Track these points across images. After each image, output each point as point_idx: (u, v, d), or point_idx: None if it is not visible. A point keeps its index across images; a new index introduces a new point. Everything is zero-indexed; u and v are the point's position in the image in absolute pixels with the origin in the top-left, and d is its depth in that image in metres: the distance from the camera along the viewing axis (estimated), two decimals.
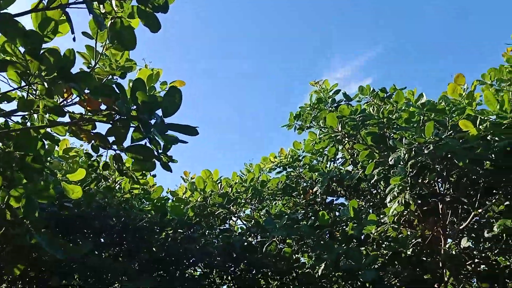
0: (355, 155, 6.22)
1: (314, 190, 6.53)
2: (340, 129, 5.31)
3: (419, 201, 5.32)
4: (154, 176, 6.41)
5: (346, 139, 5.55)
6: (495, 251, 5.21)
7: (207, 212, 6.44)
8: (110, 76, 3.13)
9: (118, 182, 5.54)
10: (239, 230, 7.51)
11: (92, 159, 4.47)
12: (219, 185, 6.37)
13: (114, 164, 3.00)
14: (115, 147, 2.89)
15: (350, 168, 6.86)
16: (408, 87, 6.03)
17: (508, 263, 5.49)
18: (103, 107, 2.78)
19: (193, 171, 7.64)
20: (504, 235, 4.70)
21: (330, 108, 6.17)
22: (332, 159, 6.82)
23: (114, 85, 2.78)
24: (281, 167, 7.17)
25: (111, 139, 2.85)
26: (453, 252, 5.15)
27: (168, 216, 6.06)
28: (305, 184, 7.58)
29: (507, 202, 4.65)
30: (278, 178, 7.06)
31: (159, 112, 2.79)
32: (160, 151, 2.98)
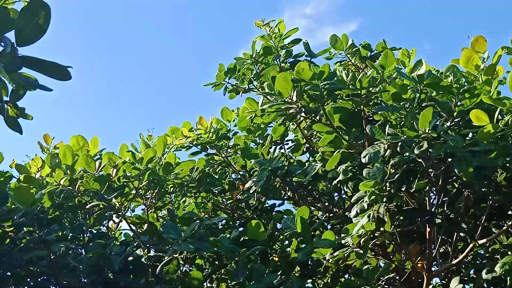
0: (314, 140, 6.41)
1: (247, 186, 6.69)
2: (294, 98, 5.43)
3: (399, 219, 5.64)
4: None
5: (303, 114, 5.70)
6: None
7: (74, 203, 6.40)
8: None
9: None
10: (123, 238, 7.54)
11: None
12: (97, 162, 6.33)
13: None
14: None
15: (304, 158, 7.09)
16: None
17: None
18: None
19: (62, 137, 7.54)
20: (508, 279, 5.12)
21: (282, 65, 6.28)
22: (279, 142, 7.01)
23: None
24: (199, 146, 7.28)
25: None
26: None
27: (10, 203, 5.95)
28: (234, 176, 7.73)
29: None
30: (193, 162, 7.17)
31: (11, 35, 2.76)
32: (5, 98, 2.96)
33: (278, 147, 7.26)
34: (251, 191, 6.75)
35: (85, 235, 6.80)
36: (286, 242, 6.09)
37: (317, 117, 5.72)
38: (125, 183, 6.62)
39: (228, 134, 7.26)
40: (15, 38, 2.74)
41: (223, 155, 7.38)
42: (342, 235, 5.42)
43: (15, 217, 6.03)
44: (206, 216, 7.75)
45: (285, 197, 7.35)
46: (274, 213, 7.42)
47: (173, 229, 5.66)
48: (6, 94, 2.98)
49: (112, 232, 7.51)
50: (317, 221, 6.99)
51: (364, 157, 4.84)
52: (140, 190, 6.67)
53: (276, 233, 6.21)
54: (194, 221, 5.88)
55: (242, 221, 7.55)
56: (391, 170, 4.92)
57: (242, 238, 5.92)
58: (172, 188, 7.36)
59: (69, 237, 6.67)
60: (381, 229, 5.34)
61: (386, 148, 4.84)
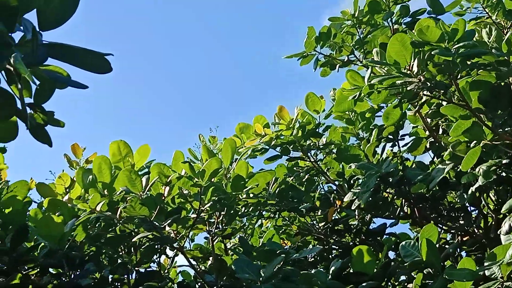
0: (441, 131, 6.37)
1: (347, 200, 6.66)
2: (415, 69, 5.38)
3: None
4: (3, 150, 6.35)
5: (427, 92, 5.62)
6: None
7: (114, 235, 6.45)
8: None
9: None
10: (180, 278, 7.63)
11: None
12: (144, 179, 6.33)
13: None
14: None
15: (426, 158, 6.97)
16: None
17: None
18: None
19: (96, 148, 7.60)
20: None
21: (395, 27, 6.13)
22: (391, 137, 6.89)
23: None
24: (278, 148, 7.27)
25: None
26: None
27: (30, 240, 6.04)
28: (326, 187, 7.71)
29: None
30: (272, 173, 7.11)
31: (31, 17, 2.80)
32: (28, 100, 3.00)
33: (390, 144, 7.19)
34: (352, 208, 6.71)
35: (131, 276, 6.84)
36: (406, 275, 6.01)
37: (447, 96, 5.60)
38: (181, 204, 6.65)
39: (316, 130, 7.20)
40: (37, 20, 2.80)
41: (312, 158, 7.34)
42: (486, 263, 5.28)
43: (39, 256, 6.10)
44: (290, 244, 7.71)
45: (400, 215, 7.25)
46: (384, 236, 7.38)
47: (248, 267, 5.61)
48: (30, 95, 3.03)
49: (166, 271, 7.57)
50: (446, 244, 6.85)
51: None
52: (202, 213, 6.68)
53: (391, 262, 6.09)
54: (277, 255, 5.82)
55: (340, 250, 7.53)
56: None
57: (345, 272, 5.82)
58: (244, 209, 7.33)
59: (110, 280, 6.71)
60: None
61: None
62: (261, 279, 5.43)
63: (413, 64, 5.42)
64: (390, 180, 6.54)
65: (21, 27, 2.77)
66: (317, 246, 6.89)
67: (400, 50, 5.43)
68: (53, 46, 2.79)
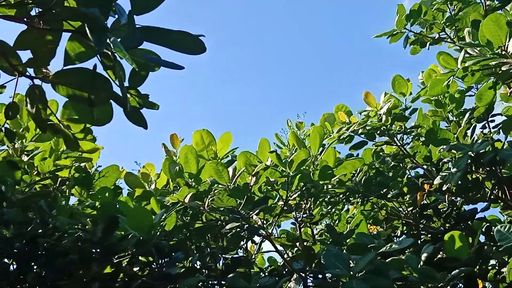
0: None
1: (436, 182, 6.52)
2: (510, 49, 5.28)
3: None
4: (93, 136, 6.42)
5: None
6: None
7: (202, 224, 6.48)
8: None
9: (31, 150, 5.60)
10: (267, 264, 7.67)
11: None
12: (230, 170, 6.32)
13: (30, 107, 3.06)
14: (31, 71, 2.95)
15: None
16: None
17: None
18: None
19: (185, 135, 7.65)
20: None
21: (488, 3, 6.05)
22: (481, 118, 6.72)
23: None
24: (363, 135, 7.21)
25: (24, 54, 2.91)
26: None
27: (120, 230, 6.14)
28: (413, 172, 7.61)
29: None
30: (361, 160, 6.94)
31: (125, 3, 2.83)
32: (124, 83, 3.03)
33: (480, 125, 7.02)
34: (443, 189, 6.63)
35: (217, 262, 6.79)
36: (502, 261, 5.92)
37: None
38: (267, 191, 6.61)
39: (403, 113, 7.09)
40: (130, 4, 2.83)
41: (399, 143, 7.26)
42: None
43: (129, 245, 6.16)
44: (377, 232, 7.64)
45: (491, 198, 7.08)
46: (475, 221, 7.20)
47: (338, 260, 5.44)
48: (124, 78, 3.05)
49: (253, 257, 7.61)
50: None
51: None
52: (289, 201, 6.64)
53: (484, 247, 6.00)
54: (368, 250, 5.72)
55: (429, 235, 7.40)
56: None
57: (436, 258, 5.75)
58: (330, 196, 7.31)
59: (198, 266, 6.71)
60: None
61: None
62: (353, 274, 5.32)
63: (508, 45, 5.33)
64: (483, 161, 6.35)
65: (117, 12, 2.80)
66: (409, 238, 6.69)
67: (494, 31, 5.37)
68: (148, 29, 2.82)
